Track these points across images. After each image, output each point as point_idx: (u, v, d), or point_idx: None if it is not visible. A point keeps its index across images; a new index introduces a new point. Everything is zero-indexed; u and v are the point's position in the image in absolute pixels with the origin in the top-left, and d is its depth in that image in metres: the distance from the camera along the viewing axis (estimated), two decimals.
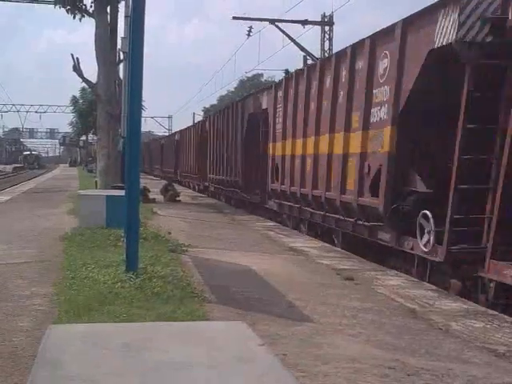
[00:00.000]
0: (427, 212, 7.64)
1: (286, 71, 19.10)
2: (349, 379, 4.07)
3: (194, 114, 60.19)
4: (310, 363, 4.32)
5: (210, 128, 23.33)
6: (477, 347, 4.94)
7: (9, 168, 67.93)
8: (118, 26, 17.06)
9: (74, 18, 17.58)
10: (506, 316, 6.07)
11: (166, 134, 63.60)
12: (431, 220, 7.55)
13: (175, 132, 39.85)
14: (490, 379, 4.23)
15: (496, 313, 6.20)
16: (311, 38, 57.02)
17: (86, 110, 41.64)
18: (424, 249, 7.75)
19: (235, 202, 19.87)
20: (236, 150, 18.54)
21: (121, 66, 17.07)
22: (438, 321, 5.72)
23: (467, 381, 4.16)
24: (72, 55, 17.15)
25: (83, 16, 17.61)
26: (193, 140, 27.87)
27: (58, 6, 17.67)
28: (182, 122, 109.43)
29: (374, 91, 9.14)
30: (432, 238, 7.55)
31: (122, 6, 17.00)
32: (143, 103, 8.84)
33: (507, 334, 5.35)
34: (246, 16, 27.78)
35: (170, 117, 79.43)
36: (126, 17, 15.14)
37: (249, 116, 17.35)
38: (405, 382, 4.07)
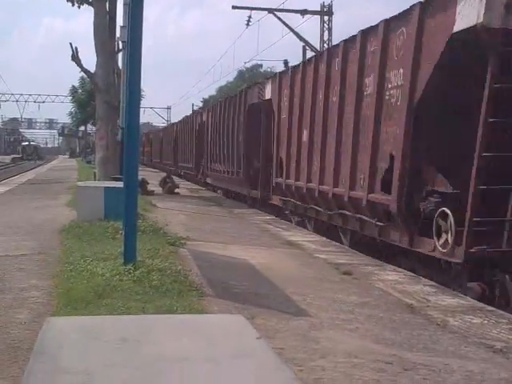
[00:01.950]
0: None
1: (285, 62, 19.08)
2: (346, 373, 4.07)
3: (193, 104, 60.28)
4: (308, 357, 4.32)
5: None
6: (474, 343, 4.95)
7: (7, 159, 67.71)
8: (117, 15, 17.03)
9: (73, 5, 17.50)
10: (503, 312, 6.08)
11: (165, 125, 63.41)
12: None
13: (173, 123, 39.44)
14: (486, 374, 4.23)
15: (494, 309, 6.20)
16: (311, 29, 56.92)
17: (85, 100, 41.39)
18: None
19: (234, 195, 19.80)
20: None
21: (120, 55, 17.03)
22: (435, 316, 5.72)
23: (464, 376, 4.17)
24: (71, 44, 16.97)
25: (81, 4, 17.52)
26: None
27: None
28: (181, 113, 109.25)
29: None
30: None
31: None
32: (142, 92, 8.74)
33: (505, 330, 5.35)
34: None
35: (169, 108, 79.41)
36: (124, 5, 15.07)
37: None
38: (402, 377, 4.08)
